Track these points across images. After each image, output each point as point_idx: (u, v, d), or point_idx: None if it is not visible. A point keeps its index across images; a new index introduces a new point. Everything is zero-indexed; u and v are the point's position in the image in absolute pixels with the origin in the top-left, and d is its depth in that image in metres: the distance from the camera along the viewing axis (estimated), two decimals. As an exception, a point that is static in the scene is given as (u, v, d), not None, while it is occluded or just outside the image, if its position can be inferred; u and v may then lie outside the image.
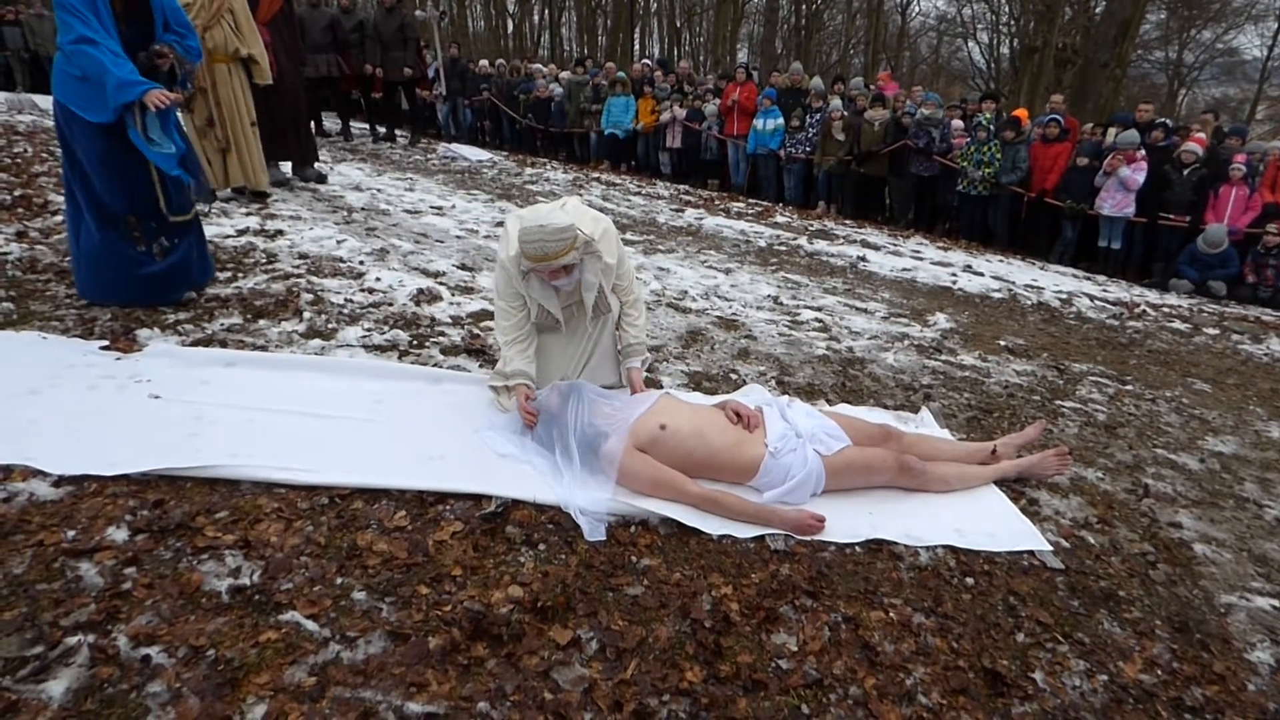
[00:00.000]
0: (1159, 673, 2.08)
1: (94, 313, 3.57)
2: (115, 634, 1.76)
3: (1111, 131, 8.82)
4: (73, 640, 1.72)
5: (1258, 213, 7.71)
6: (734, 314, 4.85)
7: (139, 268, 3.57)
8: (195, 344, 3.39)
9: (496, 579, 2.13)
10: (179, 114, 3.63)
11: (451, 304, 4.28)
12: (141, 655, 1.71)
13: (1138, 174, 8.06)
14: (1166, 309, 6.99)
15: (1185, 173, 8.00)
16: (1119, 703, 1.96)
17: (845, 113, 9.93)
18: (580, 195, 9.11)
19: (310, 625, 1.86)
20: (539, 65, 15.14)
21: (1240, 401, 4.39)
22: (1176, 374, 4.83)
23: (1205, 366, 5.09)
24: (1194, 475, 3.30)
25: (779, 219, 9.43)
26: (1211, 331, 6.19)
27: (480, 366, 3.55)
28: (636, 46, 27.69)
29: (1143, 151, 8.18)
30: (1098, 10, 17.66)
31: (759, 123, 10.67)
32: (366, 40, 10.87)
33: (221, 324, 3.63)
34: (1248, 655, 2.18)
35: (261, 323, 3.70)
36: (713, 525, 2.47)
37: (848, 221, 9.95)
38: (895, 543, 2.51)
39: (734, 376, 3.79)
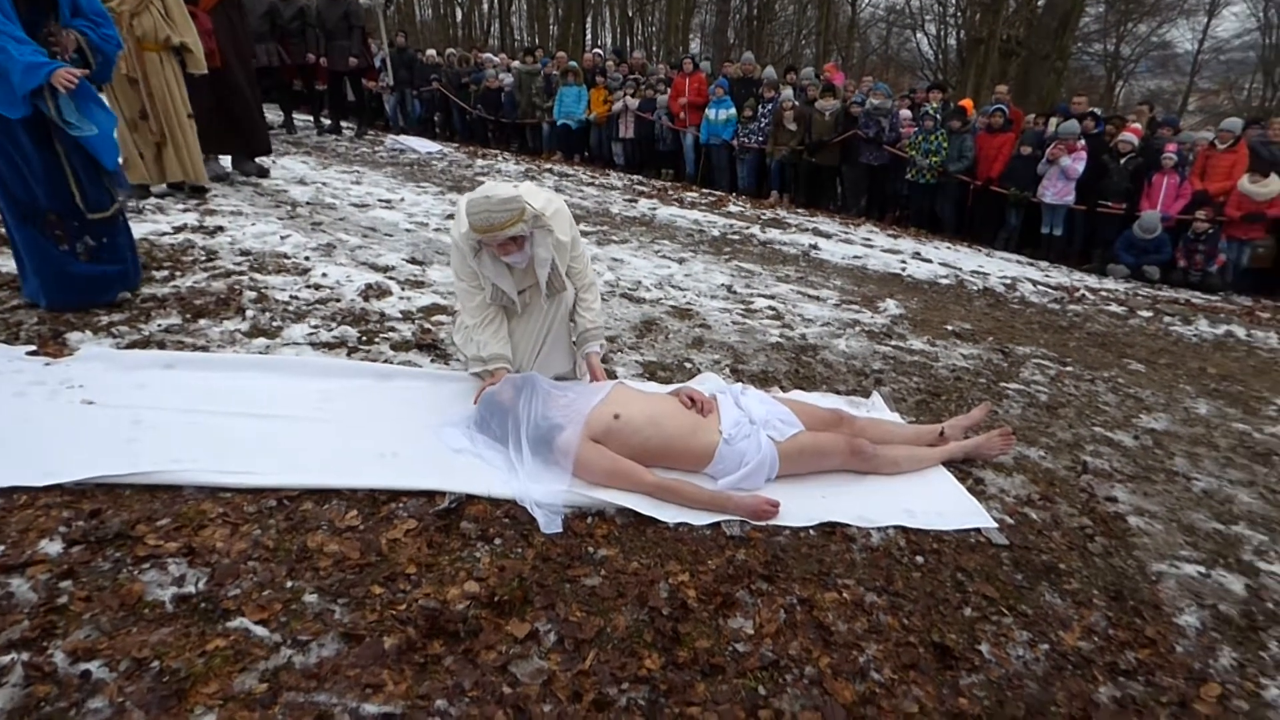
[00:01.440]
0: (1096, 639, 2.16)
1: (19, 316, 3.43)
2: (51, 650, 1.70)
3: (1053, 121, 9.05)
4: (5, 659, 1.66)
5: (1188, 200, 8.00)
6: (688, 303, 4.87)
7: (65, 266, 3.44)
8: (131, 346, 3.28)
9: (452, 575, 2.11)
10: (104, 98, 3.49)
11: (402, 299, 4.22)
12: (80, 671, 1.66)
13: (1078, 163, 8.29)
14: (1105, 293, 7.21)
15: (1122, 162, 8.25)
16: (1059, 670, 2.03)
17: (796, 103, 10.02)
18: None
19: (260, 631, 1.83)
20: (489, 55, 14.94)
21: (1171, 380, 4.56)
22: (1113, 355, 4.99)
23: (1140, 347, 5.28)
24: (1129, 452, 3.42)
25: (732, 208, 9.49)
26: (1146, 314, 6.41)
27: (432, 361, 3.51)
28: (588, 36, 27.50)
29: (1083, 141, 8.41)
30: (1040, 3, 18.07)
31: (711, 113, 10.70)
32: (308, 28, 10.59)
33: (159, 325, 3.52)
34: (1176, 619, 2.28)
35: (202, 322, 3.60)
36: (669, 513, 2.48)
37: (800, 210, 10.05)
38: (848, 525, 2.55)
39: (688, 365, 3.81)
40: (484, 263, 2.93)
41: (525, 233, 2.81)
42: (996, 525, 2.64)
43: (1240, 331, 6.08)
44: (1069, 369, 4.50)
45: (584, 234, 5.50)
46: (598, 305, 3.24)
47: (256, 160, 7.15)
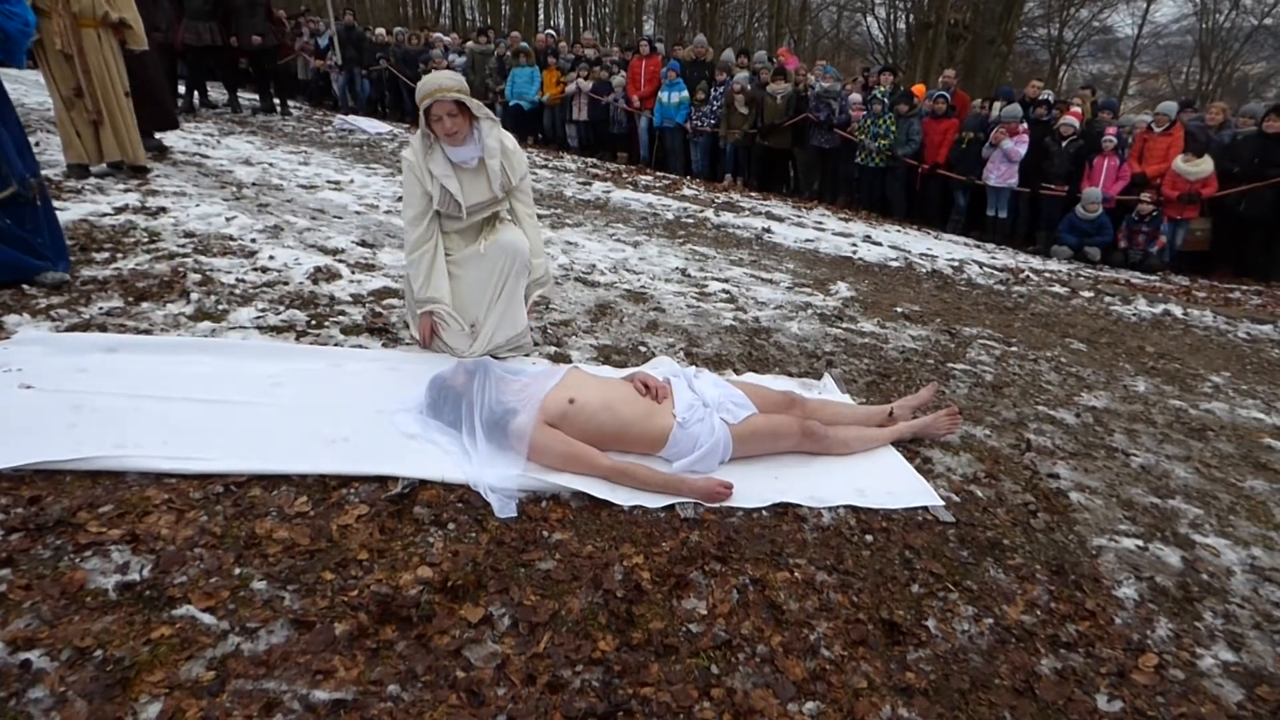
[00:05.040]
0: (1038, 613, 2.23)
1: (-49, 299, 3.30)
2: (-11, 640, 1.65)
3: (996, 106, 9.23)
4: (-59, 650, 1.61)
5: (1127, 182, 8.26)
6: (642, 287, 4.88)
7: None
8: (71, 330, 3.18)
9: (405, 561, 2.10)
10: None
11: (352, 282, 4.14)
12: (20, 660, 1.61)
13: (1020, 146, 8.47)
14: (1048, 274, 7.41)
15: (1063, 144, 8.46)
16: (1003, 643, 2.10)
17: (748, 86, 10.04)
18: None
19: (207, 618, 1.79)
20: (439, 34, 14.67)
21: (1111, 359, 4.72)
22: (1056, 335, 5.14)
23: (1081, 327, 5.44)
24: (1070, 429, 3.53)
25: (686, 191, 9.50)
26: (1087, 294, 6.61)
27: (383, 345, 3.46)
28: (540, 16, 27.12)
29: (1025, 124, 8.60)
30: (985, -13, 18.35)
31: (664, 95, 10.68)
32: (240, 8, 10.27)
33: (100, 308, 3.41)
34: (1115, 592, 2.37)
35: (145, 305, 3.49)
36: (623, 497, 2.49)
37: (753, 194, 10.11)
38: (800, 505, 2.59)
39: (643, 349, 3.81)
40: (435, 160, 3.12)
41: (470, 106, 3.05)
42: (943, 503, 2.71)
43: (1177, 310, 6.30)
44: (1013, 349, 4.62)
45: (539, 217, 5.50)
46: (540, 244, 3.52)
47: (156, 136, 6.87)
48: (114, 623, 1.75)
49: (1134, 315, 6.08)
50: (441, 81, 3.00)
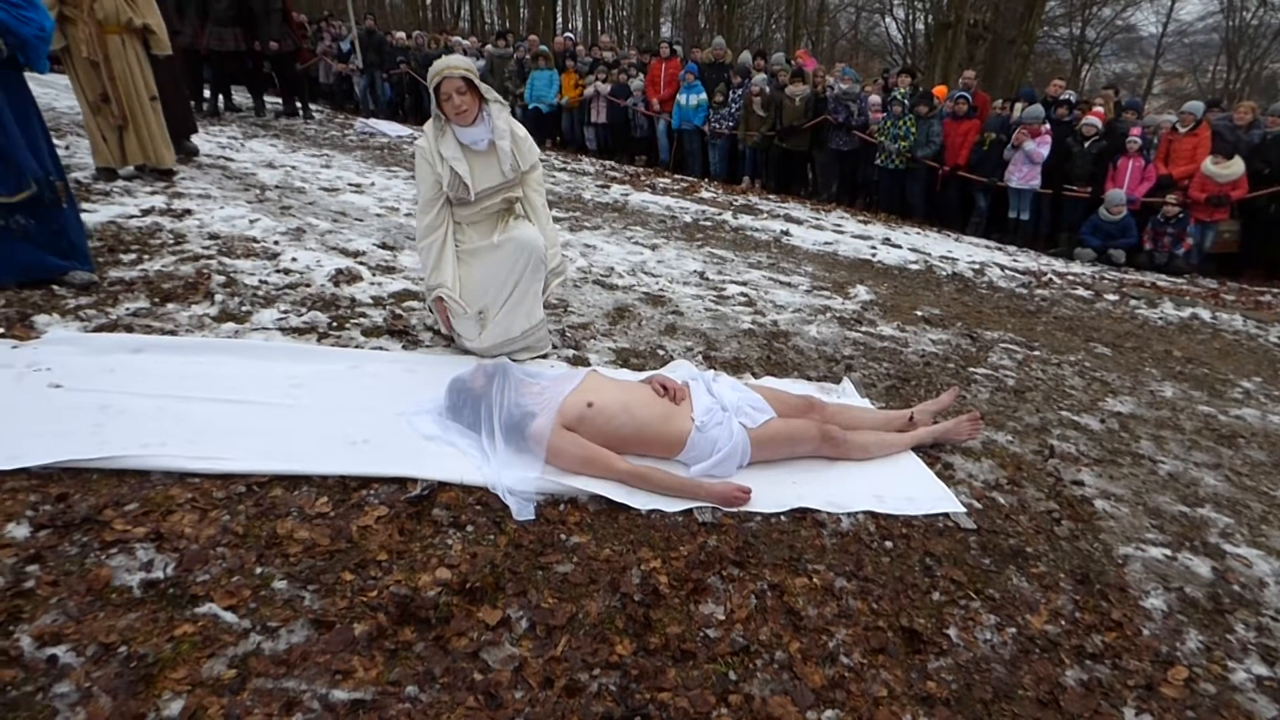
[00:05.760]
0: (1062, 623, 2.20)
1: (-18, 299, 3.36)
2: (17, 635, 1.68)
3: (1018, 107, 9.14)
4: (-29, 644, 1.63)
5: (1152, 183, 8.14)
6: (661, 290, 4.87)
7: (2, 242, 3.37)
8: (99, 330, 3.22)
9: (424, 562, 2.11)
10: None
11: (372, 284, 4.17)
12: (47, 655, 1.64)
13: (1042, 147, 8.38)
14: (1071, 277, 7.32)
15: (1086, 145, 8.36)
16: (1026, 653, 2.07)
17: (766, 88, 10.01)
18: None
19: (229, 617, 1.81)
20: (458, 38, 14.75)
21: (1137, 363, 4.65)
22: (1079, 339, 5.08)
23: (1106, 331, 5.37)
24: (1095, 435, 3.48)
25: (704, 194, 9.49)
26: (1111, 298, 6.52)
27: (403, 348, 3.48)
28: (559, 19, 27.20)
29: (1047, 125, 8.50)
30: (1007, -13, 18.19)
31: (683, 98, 10.67)
32: (258, 14, 10.37)
33: (127, 308, 3.45)
34: (1143, 602, 2.33)
35: (170, 306, 3.54)
36: (641, 500, 2.49)
37: (771, 196, 10.07)
38: (818, 511, 2.57)
39: (661, 352, 3.81)
40: (446, 143, 3.17)
41: (479, 86, 3.14)
42: (965, 510, 2.68)
43: (1205, 314, 6.20)
44: (1036, 353, 4.57)
45: (556, 220, 5.52)
46: (556, 239, 3.54)
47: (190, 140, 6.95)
48: (138, 620, 1.77)
49: (1160, 319, 5.99)
50: (449, 61, 3.10)
